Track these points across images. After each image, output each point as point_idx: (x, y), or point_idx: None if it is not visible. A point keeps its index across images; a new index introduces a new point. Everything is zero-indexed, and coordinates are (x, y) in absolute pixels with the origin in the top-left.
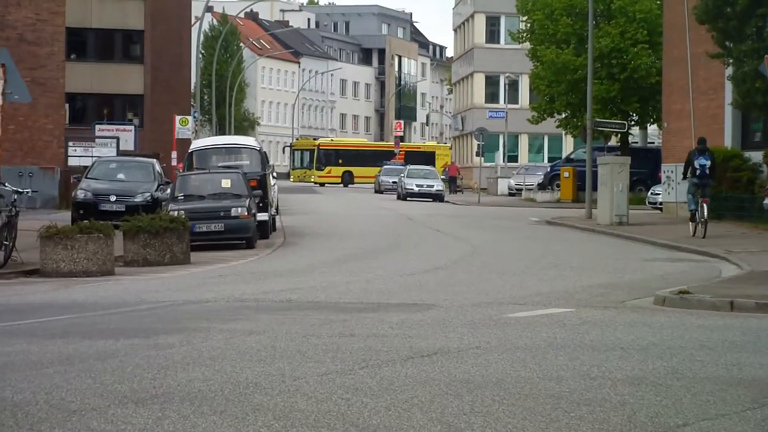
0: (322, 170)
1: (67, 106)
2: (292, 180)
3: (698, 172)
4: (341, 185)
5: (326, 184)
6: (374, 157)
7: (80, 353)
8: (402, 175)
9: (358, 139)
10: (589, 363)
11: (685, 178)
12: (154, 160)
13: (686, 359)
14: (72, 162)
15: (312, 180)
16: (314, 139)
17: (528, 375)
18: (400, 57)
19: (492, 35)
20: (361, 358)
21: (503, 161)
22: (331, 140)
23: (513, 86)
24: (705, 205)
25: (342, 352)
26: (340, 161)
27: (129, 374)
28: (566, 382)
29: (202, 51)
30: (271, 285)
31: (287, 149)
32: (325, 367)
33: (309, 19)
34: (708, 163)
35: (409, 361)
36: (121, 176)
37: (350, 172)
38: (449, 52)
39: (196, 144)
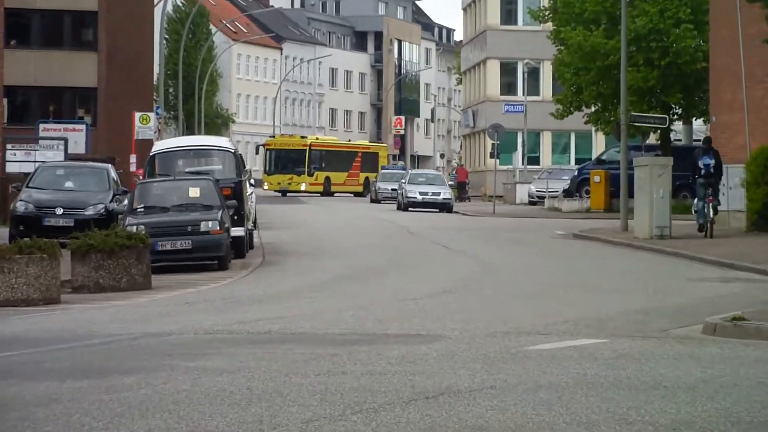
0: (313, 175)
1: (5, 101)
2: (266, 187)
3: (703, 171)
4: (320, 195)
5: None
6: (348, 160)
7: (18, 398)
8: (403, 181)
9: (329, 137)
10: (626, 405)
11: (692, 180)
12: (109, 165)
13: (742, 399)
14: (10, 168)
15: (302, 188)
16: (302, 137)
17: (553, 420)
18: (400, 41)
19: (508, 15)
20: (353, 400)
21: (522, 164)
22: (317, 139)
23: (533, 75)
24: (710, 204)
25: (331, 394)
26: (323, 164)
27: (75, 423)
28: (599, 428)
29: (167, 36)
30: (248, 313)
31: (261, 149)
32: (311, 412)
33: None
34: (712, 162)
35: (411, 404)
36: (69, 185)
37: (329, 178)
38: (458, 36)
39: (160, 146)
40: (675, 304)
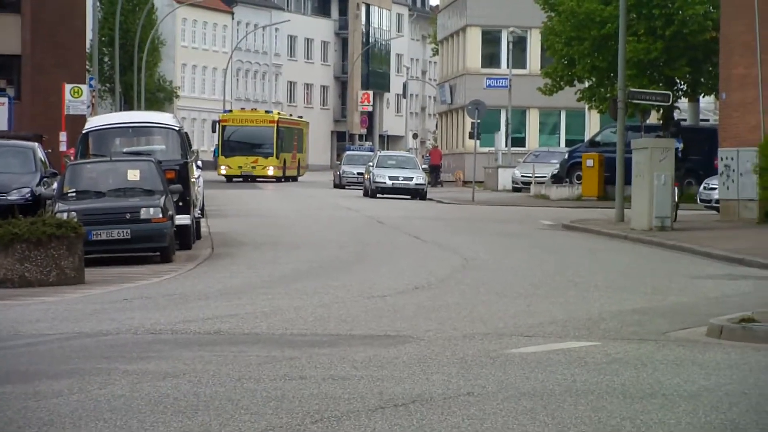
0: (280, 158)
1: None
2: (224, 171)
3: None
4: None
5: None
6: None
7: None
8: (370, 164)
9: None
10: (619, 415)
11: None
12: (36, 144)
13: (750, 410)
14: None
15: (269, 173)
16: (267, 111)
17: (537, 431)
18: (368, 5)
19: None
20: (313, 408)
21: (505, 145)
22: (282, 114)
23: (519, 45)
24: (675, 188)
25: (288, 401)
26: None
27: None
28: None
29: None
30: (194, 311)
31: (219, 126)
32: (266, 422)
33: None
34: (681, 146)
35: (379, 412)
36: None
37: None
38: (434, 0)
39: (94, 122)
40: (676, 303)
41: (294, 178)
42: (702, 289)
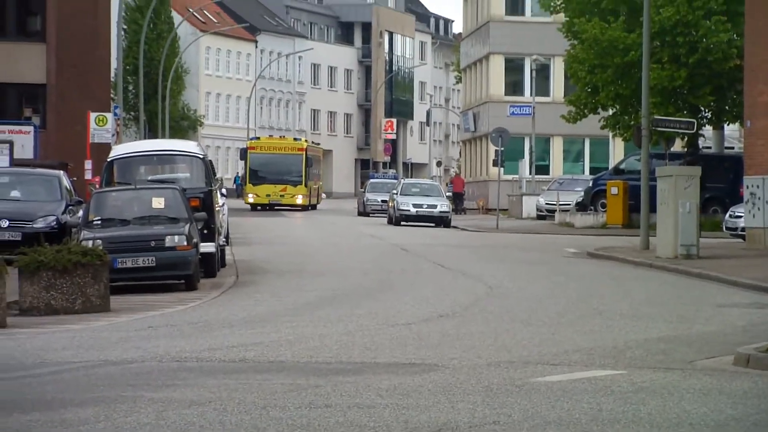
0: (308, 186)
1: None
2: (252, 200)
3: None
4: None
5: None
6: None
7: None
8: (394, 191)
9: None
10: None
11: None
12: (61, 172)
13: None
14: None
15: (298, 201)
16: (295, 139)
17: None
18: (391, 34)
19: (514, 4)
20: None
21: (529, 173)
22: (312, 143)
23: (542, 72)
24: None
25: (314, 429)
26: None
27: None
28: None
29: (125, 26)
30: (219, 339)
31: (247, 153)
32: None
33: None
34: None
35: None
36: (15, 194)
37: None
38: (457, 28)
39: (118, 150)
40: (702, 332)
41: (314, 206)
42: (728, 317)
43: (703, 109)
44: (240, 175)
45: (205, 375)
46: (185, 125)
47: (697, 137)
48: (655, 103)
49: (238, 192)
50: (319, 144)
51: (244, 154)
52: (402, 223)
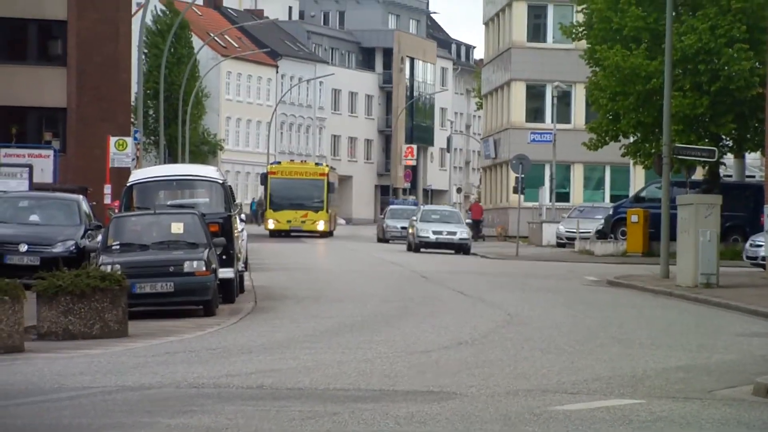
0: (330, 212)
1: None
2: (272, 226)
3: None
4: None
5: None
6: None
7: None
8: (414, 218)
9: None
10: None
11: None
12: (81, 196)
13: None
14: None
15: (319, 228)
16: (316, 164)
17: None
18: (412, 60)
19: (536, 31)
20: None
21: (550, 200)
22: (332, 168)
23: (564, 100)
24: None
25: None
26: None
27: None
28: None
29: (146, 50)
30: (237, 365)
31: (267, 178)
32: None
33: (290, 8)
34: None
35: None
36: (34, 218)
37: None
38: (478, 54)
39: (138, 175)
40: (721, 361)
41: (331, 233)
42: (748, 347)
43: (724, 137)
44: (256, 200)
45: (223, 401)
46: (205, 150)
47: (719, 165)
48: (676, 130)
49: (255, 217)
50: (335, 169)
51: (264, 179)
52: (421, 249)
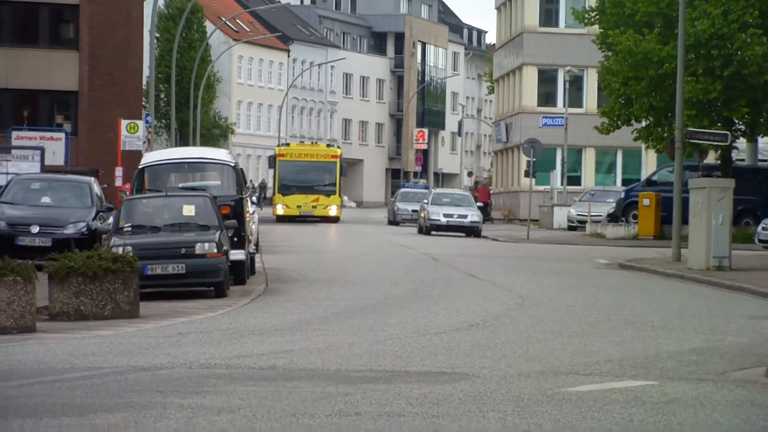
0: (342, 196)
1: None
2: (281, 212)
3: None
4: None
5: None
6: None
7: None
8: (425, 201)
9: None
10: None
11: None
12: (92, 178)
13: None
14: None
15: (331, 213)
16: (328, 145)
17: None
18: (423, 44)
19: (548, 15)
20: None
21: (561, 184)
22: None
23: (575, 84)
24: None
25: None
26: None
27: None
28: None
29: (158, 34)
30: (249, 347)
31: (276, 161)
32: None
33: None
34: None
35: None
36: (46, 200)
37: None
38: (490, 38)
39: (149, 158)
40: (735, 343)
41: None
42: (761, 329)
43: (736, 122)
44: (257, 183)
45: (235, 382)
46: (216, 133)
47: (731, 150)
48: (688, 115)
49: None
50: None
51: (272, 161)
52: (432, 232)
